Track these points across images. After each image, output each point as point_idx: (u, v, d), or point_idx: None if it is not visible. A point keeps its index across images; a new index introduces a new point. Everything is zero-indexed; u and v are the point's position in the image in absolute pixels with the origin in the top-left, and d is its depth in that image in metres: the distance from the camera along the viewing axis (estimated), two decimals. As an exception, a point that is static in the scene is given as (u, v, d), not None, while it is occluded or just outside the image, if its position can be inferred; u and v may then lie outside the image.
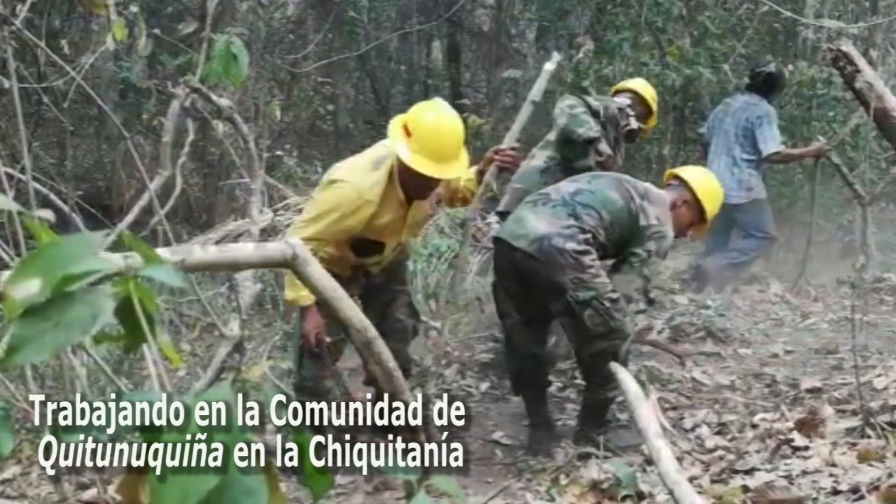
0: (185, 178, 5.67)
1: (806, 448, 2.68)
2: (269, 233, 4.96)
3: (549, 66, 3.13)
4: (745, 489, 2.26)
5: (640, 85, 5.09)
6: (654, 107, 5.00)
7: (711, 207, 3.84)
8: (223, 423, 0.62)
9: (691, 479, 2.55)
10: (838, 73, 4.36)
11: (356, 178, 3.17)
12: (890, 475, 2.13)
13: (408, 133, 3.11)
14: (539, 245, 3.37)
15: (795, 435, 2.87)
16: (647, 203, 3.58)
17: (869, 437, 2.66)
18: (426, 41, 10.41)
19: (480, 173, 3.36)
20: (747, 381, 4.37)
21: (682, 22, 7.82)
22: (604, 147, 4.41)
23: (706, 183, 3.88)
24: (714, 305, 5.68)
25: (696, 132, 7.28)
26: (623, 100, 4.82)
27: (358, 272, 3.37)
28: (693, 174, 3.93)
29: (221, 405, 0.64)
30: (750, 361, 4.81)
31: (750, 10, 7.80)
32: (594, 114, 4.47)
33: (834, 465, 2.39)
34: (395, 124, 3.20)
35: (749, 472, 2.52)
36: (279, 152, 6.43)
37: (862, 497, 2.00)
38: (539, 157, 4.65)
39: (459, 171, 3.22)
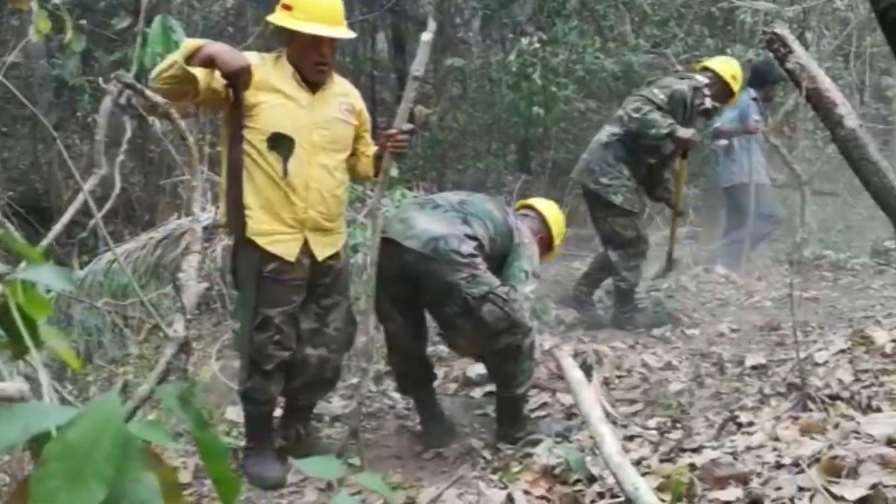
0: (126, 177, 5.56)
1: (750, 424, 2.73)
2: (211, 230, 4.87)
3: (425, 37, 3.11)
4: (692, 467, 2.29)
5: (719, 65, 5.33)
6: (736, 86, 5.25)
7: (560, 241, 4.02)
8: (113, 432, 0.59)
9: (641, 459, 2.58)
10: (773, 55, 4.43)
11: None
12: (830, 447, 2.17)
13: (288, 9, 3.15)
14: (434, 245, 3.35)
15: (740, 412, 2.93)
16: (519, 223, 3.70)
17: (810, 410, 2.72)
18: (370, 32, 10.33)
19: (378, 158, 3.32)
20: (695, 360, 4.45)
21: (625, 8, 7.89)
22: (681, 132, 4.85)
23: (558, 216, 4.02)
24: (663, 287, 5.79)
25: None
26: (702, 78, 5.13)
27: (303, 256, 3.24)
28: (547, 207, 4.05)
29: (111, 414, 0.61)
30: (697, 341, 4.89)
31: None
32: (658, 107, 4.92)
33: (777, 439, 2.43)
34: (276, 10, 3.22)
35: (696, 450, 2.55)
36: (220, 148, 6.32)
37: (803, 470, 2.04)
38: (604, 132, 5.22)
39: (348, 34, 3.23)
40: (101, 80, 3.87)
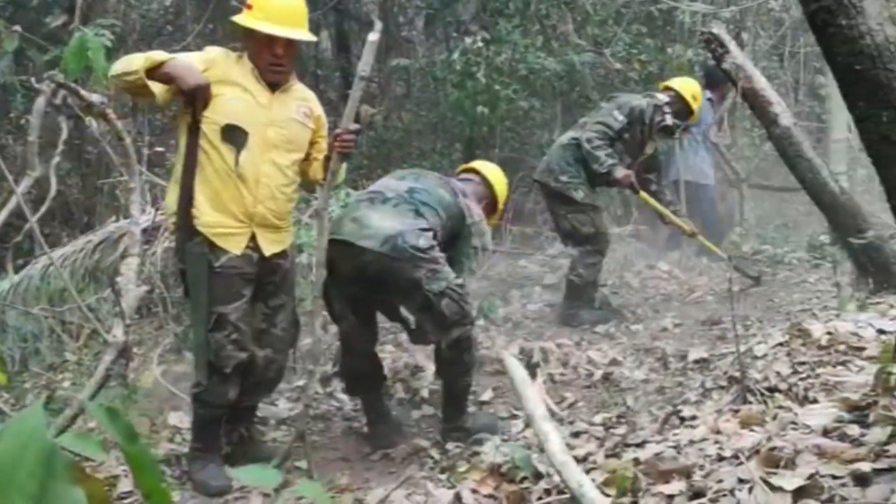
0: (62, 179, 5.41)
1: (693, 418, 2.77)
2: (151, 232, 4.77)
3: (371, 38, 3.13)
4: (637, 462, 2.31)
5: (681, 84, 5.64)
6: (695, 105, 5.57)
7: (503, 204, 4.14)
8: (37, 447, 0.57)
9: (587, 456, 2.60)
10: (711, 55, 4.52)
11: None
12: (769, 439, 2.21)
13: (249, 8, 3.20)
14: (393, 244, 3.37)
15: (683, 406, 2.97)
16: (468, 200, 3.75)
17: (750, 403, 2.78)
18: (314, 31, 10.22)
19: (326, 159, 3.31)
20: (639, 356, 4.51)
21: (567, 8, 7.96)
22: (617, 173, 5.20)
23: (500, 178, 4.13)
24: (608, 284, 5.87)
25: (583, 116, 7.43)
26: (663, 97, 5.45)
27: (251, 251, 3.21)
28: (491, 170, 4.14)
29: (35, 428, 0.59)
30: (641, 336, 4.96)
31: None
32: (618, 131, 5.28)
33: (719, 432, 2.47)
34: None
35: (640, 444, 2.58)
36: (159, 148, 6.20)
37: (742, 462, 2.08)
38: (565, 136, 5.53)
39: (306, 36, 3.27)
40: (34, 79, 3.76)
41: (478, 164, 4.23)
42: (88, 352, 4.85)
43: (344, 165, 3.32)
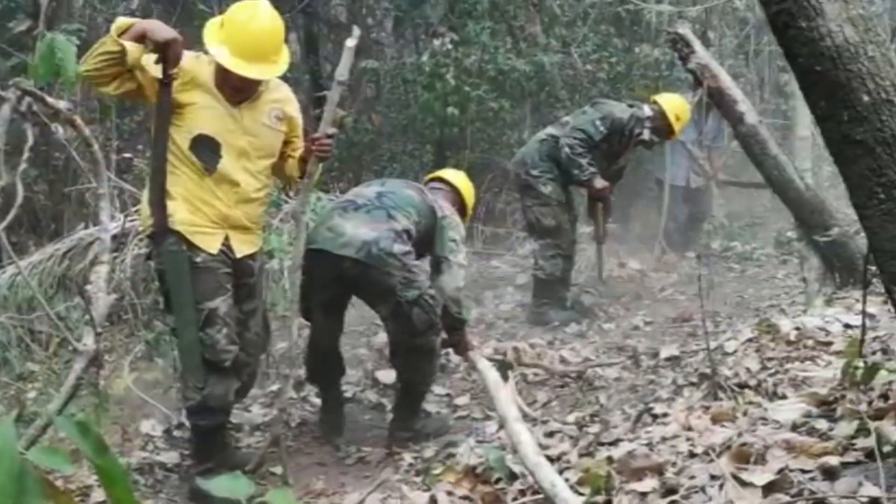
0: (29, 186, 5.32)
1: (665, 415, 2.80)
2: (120, 239, 4.72)
3: (349, 43, 3.12)
4: (610, 460, 2.33)
5: (666, 101, 5.61)
6: (678, 126, 5.54)
7: (470, 210, 4.21)
8: (8, 463, 0.56)
9: (561, 455, 2.62)
10: (677, 55, 4.57)
11: None
12: (739, 434, 2.24)
13: (221, 25, 3.12)
14: (368, 250, 3.42)
15: (655, 404, 3.00)
16: (437, 198, 3.82)
17: (720, 399, 2.81)
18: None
19: (303, 161, 3.30)
20: (611, 354, 4.54)
21: (535, 9, 7.99)
22: (597, 182, 5.34)
23: (467, 184, 4.19)
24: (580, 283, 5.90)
25: (553, 116, 7.46)
26: (647, 110, 5.47)
27: (225, 250, 3.21)
28: (457, 176, 4.22)
29: (5, 443, 0.58)
30: (613, 335, 5.00)
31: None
32: (596, 141, 5.30)
33: (690, 428, 2.49)
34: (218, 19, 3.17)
35: (614, 443, 2.60)
36: (127, 154, 6.12)
37: (714, 459, 2.11)
38: (544, 131, 5.64)
39: (268, 74, 3.14)
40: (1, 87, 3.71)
41: (443, 172, 4.32)
42: (58, 360, 4.79)
43: (319, 167, 3.33)
